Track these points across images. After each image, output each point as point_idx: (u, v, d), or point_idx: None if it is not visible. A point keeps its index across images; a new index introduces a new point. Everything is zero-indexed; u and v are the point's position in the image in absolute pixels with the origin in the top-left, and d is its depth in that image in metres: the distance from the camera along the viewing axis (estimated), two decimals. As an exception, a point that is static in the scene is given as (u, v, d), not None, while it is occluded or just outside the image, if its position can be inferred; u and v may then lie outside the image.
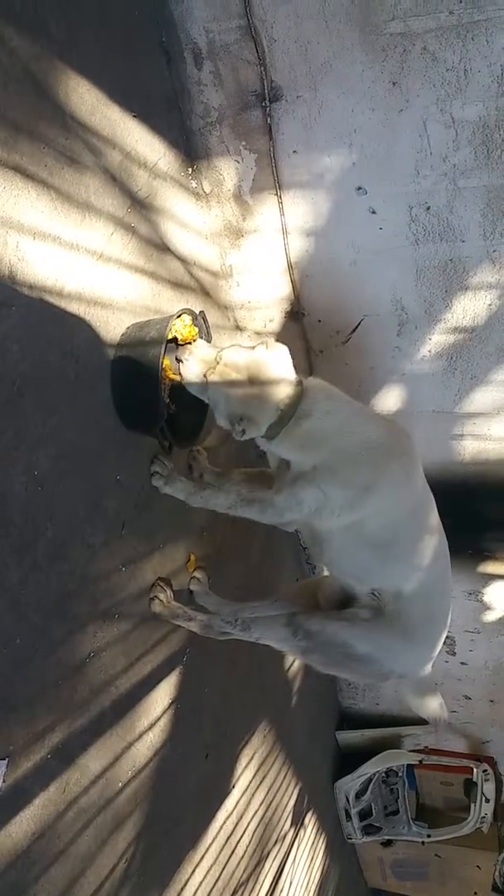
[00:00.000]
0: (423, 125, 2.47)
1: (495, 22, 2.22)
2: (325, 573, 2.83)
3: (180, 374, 2.30)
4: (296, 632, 2.46)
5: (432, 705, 2.87)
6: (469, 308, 2.85)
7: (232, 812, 3.36)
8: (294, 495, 2.31)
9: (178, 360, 2.30)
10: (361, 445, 2.28)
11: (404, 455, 2.36)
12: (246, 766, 3.53)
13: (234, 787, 3.39)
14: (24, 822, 1.91)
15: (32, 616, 1.93)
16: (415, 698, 2.85)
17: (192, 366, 2.27)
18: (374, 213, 2.73)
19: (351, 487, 2.27)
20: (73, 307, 2.10)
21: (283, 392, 2.24)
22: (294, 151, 2.70)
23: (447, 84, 2.37)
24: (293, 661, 4.28)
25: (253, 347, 2.28)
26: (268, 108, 2.64)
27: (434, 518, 2.48)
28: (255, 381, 2.22)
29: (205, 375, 2.24)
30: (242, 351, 2.27)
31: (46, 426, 1.98)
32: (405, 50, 2.36)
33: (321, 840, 5.02)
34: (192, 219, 2.88)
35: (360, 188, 2.69)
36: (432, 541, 2.45)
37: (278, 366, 2.26)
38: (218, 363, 2.24)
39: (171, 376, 2.38)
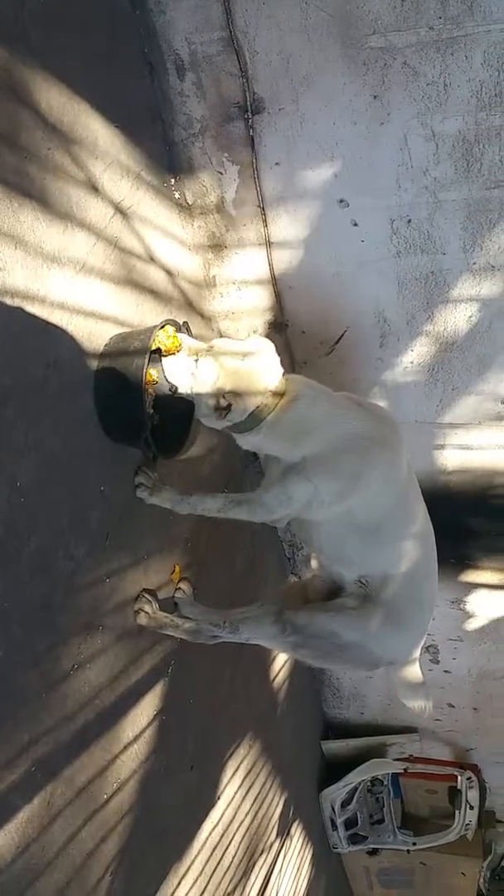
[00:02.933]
0: (404, 138, 2.50)
1: (474, 38, 2.25)
2: (312, 573, 2.84)
3: (165, 364, 2.33)
4: (284, 628, 2.46)
5: (418, 696, 2.89)
6: (450, 320, 2.88)
7: (218, 823, 3.34)
8: (284, 491, 2.33)
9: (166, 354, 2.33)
10: (347, 434, 2.30)
11: (389, 442, 2.39)
12: (231, 777, 3.52)
13: (219, 798, 3.38)
14: (9, 836, 1.89)
15: (15, 629, 1.91)
16: (402, 686, 2.87)
17: (182, 353, 2.30)
18: (356, 225, 2.75)
19: (340, 477, 2.29)
20: (56, 318, 2.10)
21: (272, 377, 2.29)
22: (276, 163, 2.72)
23: (427, 98, 2.40)
24: (278, 672, 4.28)
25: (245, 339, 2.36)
26: (250, 120, 2.65)
27: (418, 503, 2.53)
28: (245, 361, 2.28)
29: (196, 355, 2.27)
30: (233, 341, 2.34)
31: (29, 437, 1.97)
32: (386, 64, 2.39)
33: (307, 850, 5.01)
34: (175, 230, 2.89)
35: (342, 201, 2.71)
36: (417, 525, 2.49)
37: (268, 353, 2.32)
38: (209, 349, 2.29)
39: (151, 382, 2.40)
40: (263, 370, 2.29)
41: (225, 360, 2.27)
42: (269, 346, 2.34)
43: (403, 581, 2.47)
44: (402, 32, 2.31)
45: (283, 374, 2.35)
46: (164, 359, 2.32)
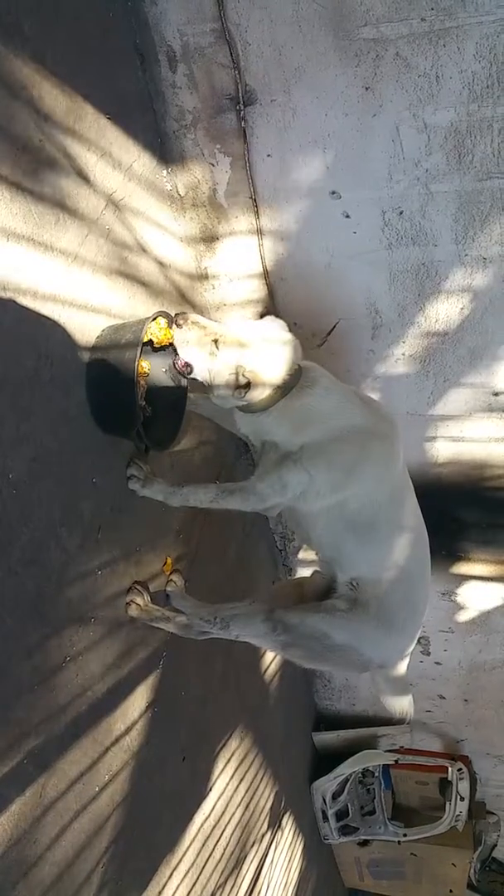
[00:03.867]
0: (395, 130, 2.50)
1: (466, 29, 2.25)
2: (305, 573, 2.85)
3: (181, 347, 2.32)
4: (275, 627, 2.46)
5: (402, 701, 2.90)
6: (441, 311, 2.88)
7: (209, 814, 3.36)
8: (280, 478, 2.33)
9: (176, 324, 2.31)
10: (349, 426, 2.31)
11: (387, 438, 2.40)
12: (223, 769, 3.53)
13: (211, 789, 3.39)
14: (1, 828, 1.89)
15: (7, 620, 1.91)
16: (387, 692, 2.88)
17: (197, 333, 2.29)
18: (348, 217, 2.75)
19: (336, 468, 2.30)
20: (48, 309, 2.09)
21: (291, 358, 2.30)
22: (268, 155, 2.72)
23: (419, 89, 2.40)
24: (270, 664, 4.29)
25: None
26: (242, 112, 2.65)
27: (412, 503, 2.53)
28: (264, 339, 2.29)
29: (215, 342, 2.26)
30: (248, 321, 2.39)
31: (21, 429, 1.96)
32: (378, 55, 2.38)
33: (298, 841, 5.03)
34: (167, 221, 2.88)
35: (333, 192, 2.71)
36: (410, 526, 2.49)
37: (286, 335, 2.34)
38: (219, 335, 2.28)
39: (143, 374, 2.40)
40: (284, 351, 2.30)
41: (244, 342, 2.28)
42: (285, 328, 2.36)
43: (396, 583, 2.47)
44: (394, 24, 2.31)
45: (300, 362, 2.36)
46: (178, 341, 2.31)
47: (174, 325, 2.30)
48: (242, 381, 2.24)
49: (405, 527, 2.48)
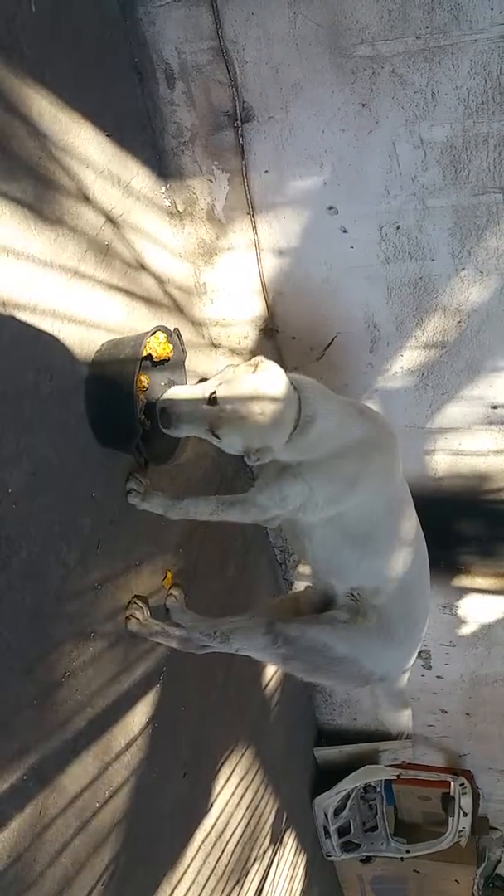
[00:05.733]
0: (392, 146, 2.52)
1: (461, 46, 2.27)
2: (303, 587, 2.84)
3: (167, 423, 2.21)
4: (275, 639, 2.45)
5: (401, 717, 2.89)
6: (439, 325, 2.90)
7: (210, 831, 3.33)
8: (280, 491, 2.31)
9: (162, 409, 2.20)
10: (348, 441, 2.29)
11: (386, 451, 2.39)
12: (224, 785, 3.51)
13: (212, 805, 3.37)
14: (0, 845, 1.88)
15: (7, 636, 1.91)
16: (386, 706, 2.87)
17: (194, 422, 2.17)
18: (345, 232, 2.77)
19: (336, 481, 2.29)
20: (47, 325, 2.10)
21: (292, 411, 2.18)
22: (266, 171, 2.74)
23: (415, 106, 2.42)
24: (270, 679, 4.27)
25: (253, 368, 2.20)
26: (240, 129, 2.67)
27: (411, 515, 2.52)
28: (263, 411, 2.13)
29: (210, 424, 2.15)
30: (237, 384, 2.16)
31: (20, 443, 1.97)
32: (374, 72, 2.41)
33: (300, 858, 4.99)
34: (165, 237, 2.90)
35: (331, 207, 2.73)
36: (409, 538, 2.48)
37: (280, 388, 2.17)
38: (215, 404, 2.14)
39: (142, 388, 2.39)
40: (284, 414, 2.16)
41: (244, 422, 2.13)
42: (276, 377, 2.19)
43: (396, 594, 2.46)
44: (389, 41, 2.34)
45: (294, 385, 2.22)
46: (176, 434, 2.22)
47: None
48: (254, 458, 2.16)
49: (404, 538, 2.47)
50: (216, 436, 2.17)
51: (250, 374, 2.17)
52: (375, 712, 5.12)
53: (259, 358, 2.24)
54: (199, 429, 2.18)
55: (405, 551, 2.47)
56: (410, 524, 2.51)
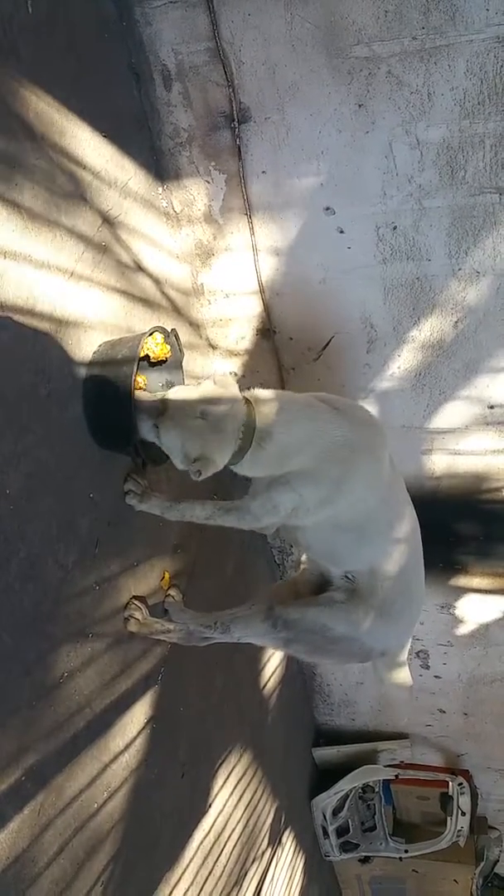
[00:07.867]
0: (388, 146, 2.53)
1: (457, 47, 2.28)
2: (301, 567, 2.86)
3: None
4: (275, 624, 2.50)
5: (401, 673, 2.91)
6: (436, 325, 2.90)
7: (209, 831, 3.33)
8: (270, 499, 2.33)
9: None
10: (329, 446, 2.28)
11: (370, 446, 2.38)
12: (223, 785, 3.51)
13: (210, 806, 3.36)
14: (-2, 847, 1.88)
15: (5, 637, 1.91)
16: (385, 672, 2.89)
17: (141, 416, 2.24)
18: (342, 232, 2.78)
19: (323, 486, 2.30)
20: (45, 325, 2.10)
21: (236, 421, 2.19)
22: (263, 172, 2.74)
23: (412, 107, 2.43)
24: (269, 679, 4.27)
25: (199, 384, 2.27)
26: (237, 130, 2.67)
27: (402, 498, 2.54)
28: (207, 419, 2.17)
29: (155, 423, 2.21)
30: (186, 389, 2.25)
31: (18, 444, 1.97)
32: (370, 73, 2.41)
33: (299, 858, 4.99)
34: (163, 238, 2.90)
35: (328, 208, 2.73)
36: (402, 520, 2.51)
37: (221, 398, 2.20)
38: (166, 407, 2.21)
39: (140, 389, 2.39)
40: (227, 419, 2.18)
41: (185, 421, 2.18)
42: (227, 386, 2.25)
43: (390, 573, 2.49)
44: (385, 42, 2.34)
45: (247, 400, 2.25)
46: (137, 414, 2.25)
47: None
48: (194, 468, 2.16)
49: (396, 523, 2.49)
50: (158, 436, 2.23)
51: (204, 383, 2.26)
52: (376, 711, 5.14)
53: (215, 374, 2.31)
54: (146, 424, 2.24)
55: (399, 534, 2.49)
56: (403, 509, 2.52)
